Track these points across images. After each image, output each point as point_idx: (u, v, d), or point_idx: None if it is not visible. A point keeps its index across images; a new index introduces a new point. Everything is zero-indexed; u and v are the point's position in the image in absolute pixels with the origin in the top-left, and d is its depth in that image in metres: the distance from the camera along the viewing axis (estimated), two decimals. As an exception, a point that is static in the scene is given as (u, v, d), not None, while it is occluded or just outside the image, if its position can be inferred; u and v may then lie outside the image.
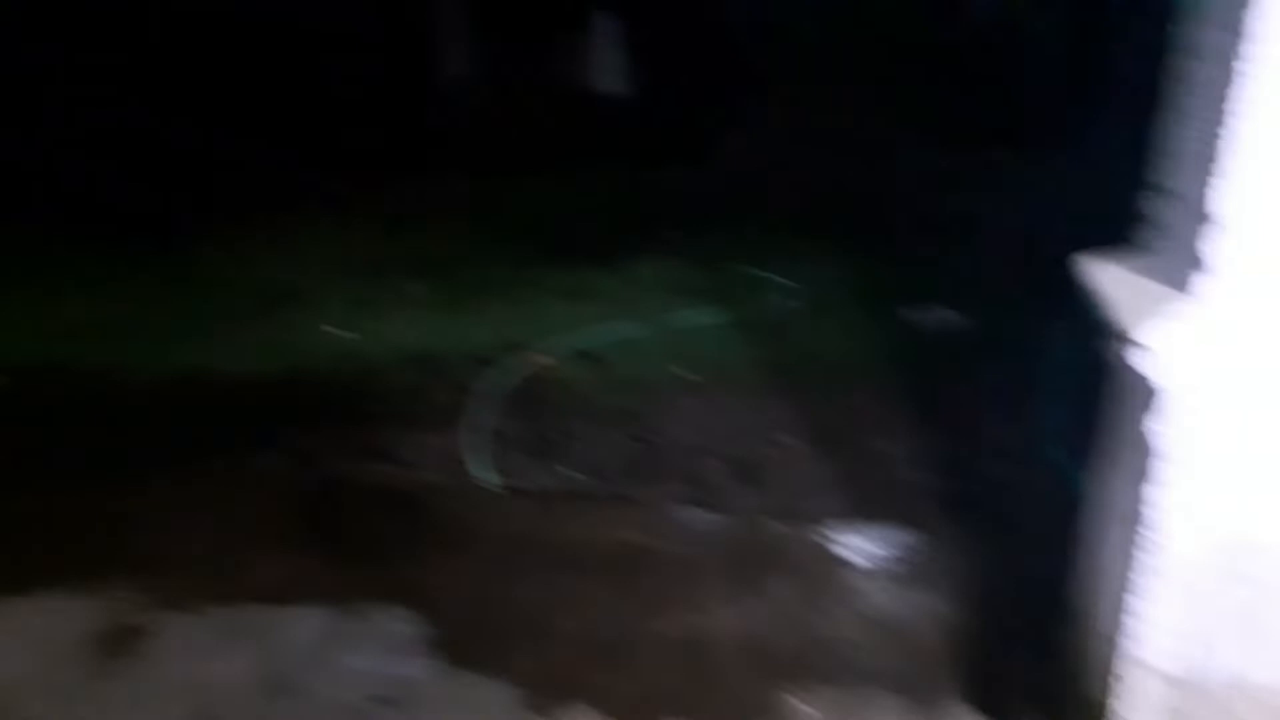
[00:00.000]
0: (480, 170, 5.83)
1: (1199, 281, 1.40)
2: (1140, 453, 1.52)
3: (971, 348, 3.81)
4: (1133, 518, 1.56)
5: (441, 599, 2.35)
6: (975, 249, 4.63)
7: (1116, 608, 1.62)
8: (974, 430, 3.20)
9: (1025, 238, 4.03)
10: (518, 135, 6.56)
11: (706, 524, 2.68)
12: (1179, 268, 1.46)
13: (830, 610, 2.34)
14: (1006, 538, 2.56)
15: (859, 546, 2.58)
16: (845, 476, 2.97)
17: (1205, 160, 1.38)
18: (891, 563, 2.52)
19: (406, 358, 3.69)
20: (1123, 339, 1.42)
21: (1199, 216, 1.39)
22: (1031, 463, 2.90)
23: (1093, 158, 3.68)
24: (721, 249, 5.13)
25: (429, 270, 4.40)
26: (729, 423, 3.29)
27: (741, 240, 5.22)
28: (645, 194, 6.49)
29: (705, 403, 3.45)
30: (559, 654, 2.20)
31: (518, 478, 2.92)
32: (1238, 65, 1.32)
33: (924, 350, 3.89)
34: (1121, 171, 1.92)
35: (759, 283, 4.67)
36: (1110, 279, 1.61)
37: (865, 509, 2.79)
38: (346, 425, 3.13)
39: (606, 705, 2.05)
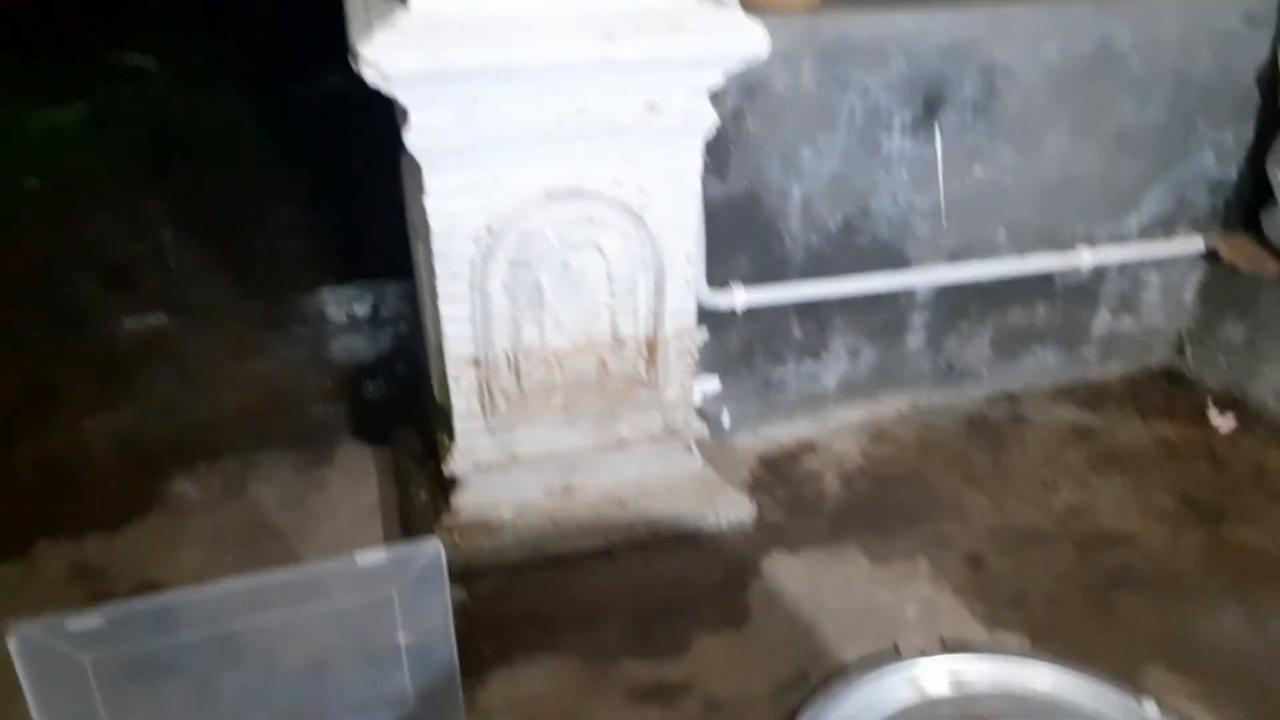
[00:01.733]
0: None
1: (410, -9, 1.45)
2: (414, 166, 1.61)
3: (359, 110, 3.76)
4: (424, 231, 1.67)
5: None
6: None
7: (437, 318, 1.76)
8: (363, 188, 3.22)
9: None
10: None
11: (71, 342, 2.45)
12: (400, -18, 1.51)
13: (217, 391, 2.30)
14: (392, 283, 2.66)
15: (244, 324, 2.54)
16: (227, 259, 2.86)
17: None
18: (280, 333, 2.52)
19: None
20: (356, 56, 1.45)
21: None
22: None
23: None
24: (78, 36, 4.45)
25: None
26: (97, 229, 2.98)
27: (102, 22, 4.55)
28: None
29: (67, 211, 3.07)
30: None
31: None
32: None
33: (311, 119, 3.78)
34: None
35: (124, 70, 4.16)
36: (354, 3, 1.63)
37: (252, 287, 2.73)
38: None
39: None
